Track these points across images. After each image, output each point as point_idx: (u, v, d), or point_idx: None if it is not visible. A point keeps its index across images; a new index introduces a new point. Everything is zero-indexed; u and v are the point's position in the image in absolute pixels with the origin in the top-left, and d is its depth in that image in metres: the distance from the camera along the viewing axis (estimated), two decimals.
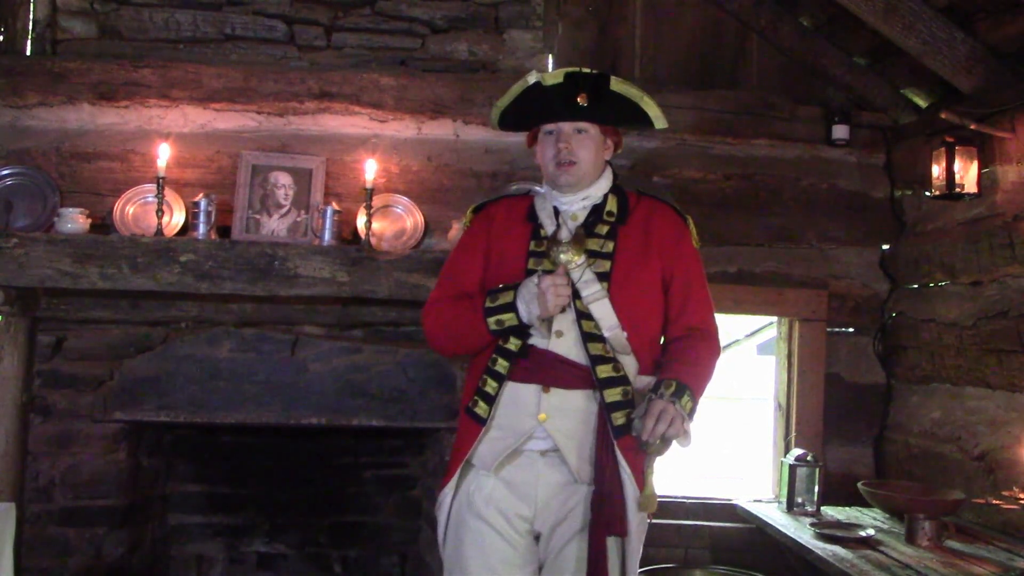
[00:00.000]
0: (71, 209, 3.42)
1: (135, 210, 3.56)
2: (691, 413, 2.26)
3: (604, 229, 2.40)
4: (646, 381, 2.32)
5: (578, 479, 2.32)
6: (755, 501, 3.90)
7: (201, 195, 3.45)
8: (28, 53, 3.71)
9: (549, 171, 2.42)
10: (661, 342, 2.45)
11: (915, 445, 3.84)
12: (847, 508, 3.74)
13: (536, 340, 2.33)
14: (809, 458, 3.71)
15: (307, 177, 3.62)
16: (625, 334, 2.32)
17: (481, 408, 2.36)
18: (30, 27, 3.72)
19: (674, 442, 2.24)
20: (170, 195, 3.48)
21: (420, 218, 3.66)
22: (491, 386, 2.35)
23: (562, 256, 2.32)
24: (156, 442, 3.88)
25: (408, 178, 3.71)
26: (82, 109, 3.60)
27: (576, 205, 2.43)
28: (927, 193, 3.65)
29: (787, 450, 3.89)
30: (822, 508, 3.68)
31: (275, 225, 3.59)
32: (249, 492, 4.10)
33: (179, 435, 4.00)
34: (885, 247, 4.10)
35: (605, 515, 2.24)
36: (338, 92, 3.69)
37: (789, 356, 4.09)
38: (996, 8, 3.26)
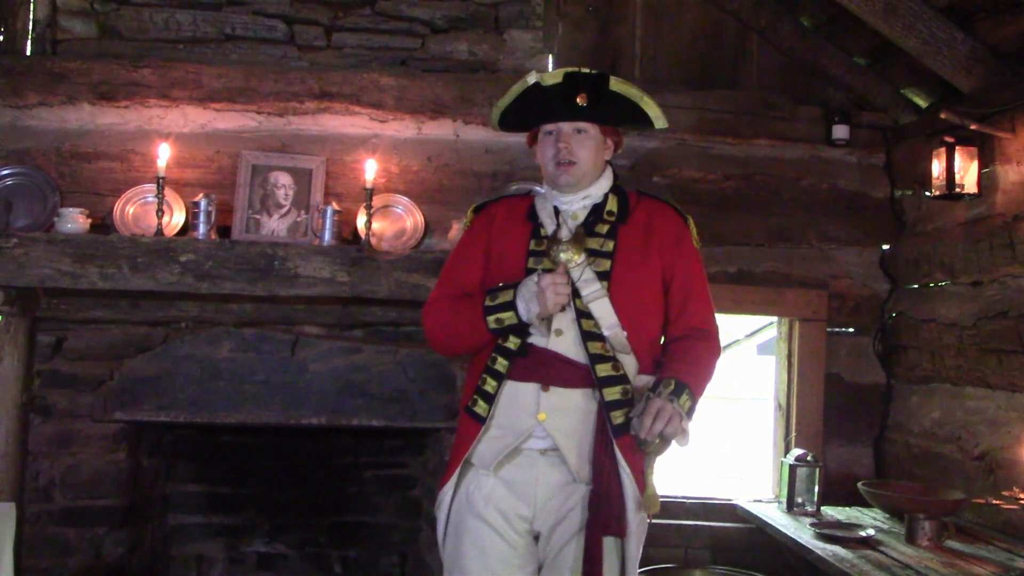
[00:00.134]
0: (71, 209, 3.42)
1: (135, 210, 3.56)
2: (690, 412, 2.26)
3: (604, 228, 2.40)
4: (646, 380, 2.31)
5: (577, 478, 2.31)
6: (755, 501, 3.90)
7: (201, 195, 3.46)
8: (28, 53, 3.71)
9: (549, 171, 2.41)
10: (661, 342, 2.45)
11: (915, 445, 3.84)
12: (847, 508, 3.74)
13: (536, 339, 2.33)
14: (809, 458, 3.71)
15: (307, 177, 3.62)
16: (625, 333, 2.32)
17: (480, 407, 2.35)
18: (30, 27, 3.72)
19: (673, 441, 2.23)
20: (170, 195, 3.48)
21: (420, 218, 3.66)
22: (490, 385, 2.34)
23: (562, 255, 2.32)
24: (156, 442, 3.88)
25: (408, 178, 3.72)
26: (82, 109, 3.61)
27: (576, 205, 2.43)
28: (927, 193, 3.65)
29: (787, 450, 3.89)
30: (822, 508, 3.68)
31: (275, 225, 3.59)
32: (249, 492, 4.10)
33: (179, 435, 4.00)
34: (885, 247, 4.10)
35: (602, 515, 2.23)
36: (338, 92, 3.69)
37: (789, 356, 4.09)
38: (996, 8, 3.26)
